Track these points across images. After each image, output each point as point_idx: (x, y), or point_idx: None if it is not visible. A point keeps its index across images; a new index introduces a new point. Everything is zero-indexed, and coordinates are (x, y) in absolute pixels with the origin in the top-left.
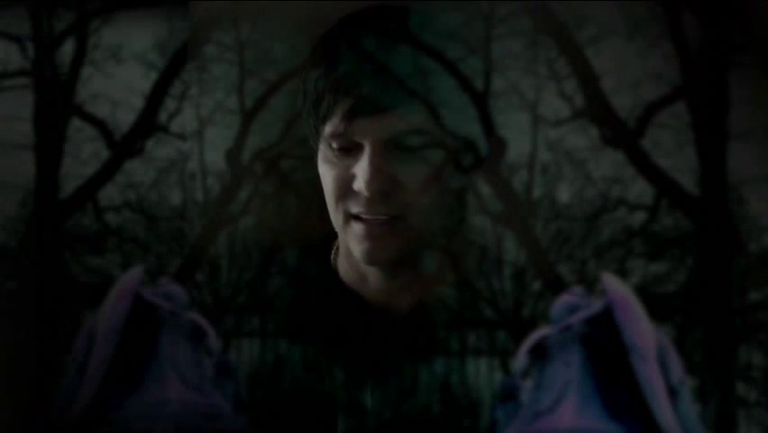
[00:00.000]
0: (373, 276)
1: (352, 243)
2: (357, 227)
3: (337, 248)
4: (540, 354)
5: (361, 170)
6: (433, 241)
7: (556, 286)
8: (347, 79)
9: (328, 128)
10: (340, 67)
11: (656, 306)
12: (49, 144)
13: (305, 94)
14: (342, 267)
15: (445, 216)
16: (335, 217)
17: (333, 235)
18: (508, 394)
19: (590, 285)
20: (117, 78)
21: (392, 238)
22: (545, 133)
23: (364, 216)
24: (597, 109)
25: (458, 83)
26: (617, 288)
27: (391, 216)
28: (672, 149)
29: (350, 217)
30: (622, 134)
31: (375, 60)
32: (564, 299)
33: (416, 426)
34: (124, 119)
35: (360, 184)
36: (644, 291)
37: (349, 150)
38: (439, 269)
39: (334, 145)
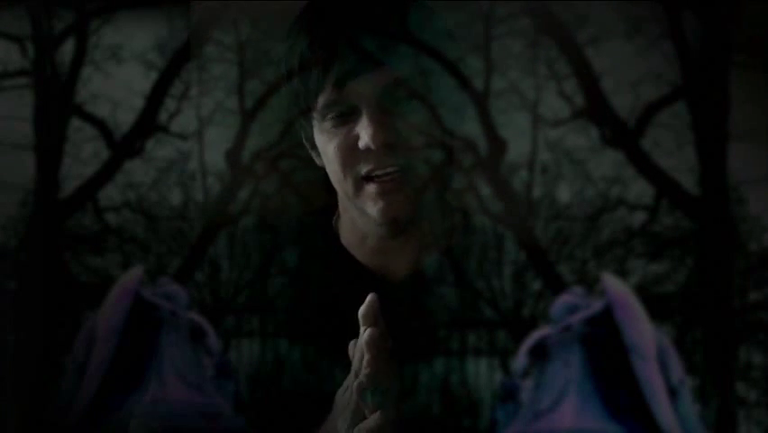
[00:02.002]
0: (373, 235)
1: (367, 204)
2: (371, 188)
3: (338, 215)
4: (540, 354)
5: (364, 128)
6: (439, 195)
7: (556, 286)
8: (332, 48)
9: (322, 99)
10: (322, 37)
11: (656, 306)
12: (49, 144)
13: (290, 71)
14: (343, 231)
15: (444, 162)
16: (345, 186)
17: (335, 204)
18: (508, 394)
19: (590, 285)
20: (117, 78)
21: (405, 191)
22: (545, 133)
23: (375, 174)
24: (597, 109)
25: (458, 83)
26: (616, 288)
27: (401, 168)
28: (672, 149)
29: (361, 181)
30: (622, 134)
31: (353, 24)
32: (564, 299)
33: (416, 426)
34: (124, 119)
35: (365, 141)
36: (644, 291)
37: (346, 116)
38: (433, 232)
39: (331, 115)
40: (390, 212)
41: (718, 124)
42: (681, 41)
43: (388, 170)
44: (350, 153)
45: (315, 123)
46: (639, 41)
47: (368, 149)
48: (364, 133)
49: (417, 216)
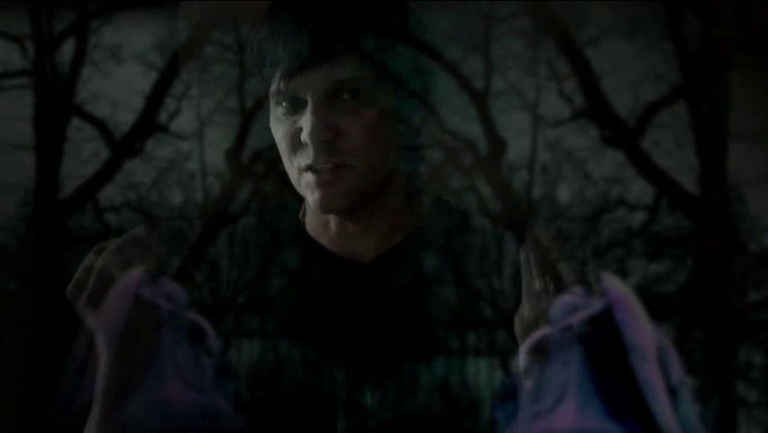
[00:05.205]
0: (333, 221)
1: (306, 193)
2: (308, 178)
3: (304, 208)
4: (540, 354)
5: (305, 122)
6: (385, 186)
7: (556, 286)
8: (284, 39)
9: (273, 87)
10: (276, 27)
11: (656, 306)
12: (49, 144)
13: (251, 59)
14: (308, 221)
15: (398, 162)
16: (290, 172)
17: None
18: (508, 394)
19: (590, 285)
20: (117, 78)
21: (341, 185)
22: (545, 133)
23: (313, 167)
24: (597, 109)
25: (458, 83)
26: (617, 288)
27: (338, 165)
28: (672, 149)
29: (302, 171)
30: (622, 134)
31: (309, 17)
32: (564, 299)
33: (416, 426)
34: (124, 119)
35: (304, 136)
36: (644, 291)
37: (295, 106)
38: (396, 215)
39: (283, 104)
40: (326, 204)
41: (718, 124)
42: (681, 41)
43: (326, 165)
44: (293, 144)
45: (271, 108)
46: (639, 41)
47: (307, 143)
48: (305, 128)
49: (372, 204)
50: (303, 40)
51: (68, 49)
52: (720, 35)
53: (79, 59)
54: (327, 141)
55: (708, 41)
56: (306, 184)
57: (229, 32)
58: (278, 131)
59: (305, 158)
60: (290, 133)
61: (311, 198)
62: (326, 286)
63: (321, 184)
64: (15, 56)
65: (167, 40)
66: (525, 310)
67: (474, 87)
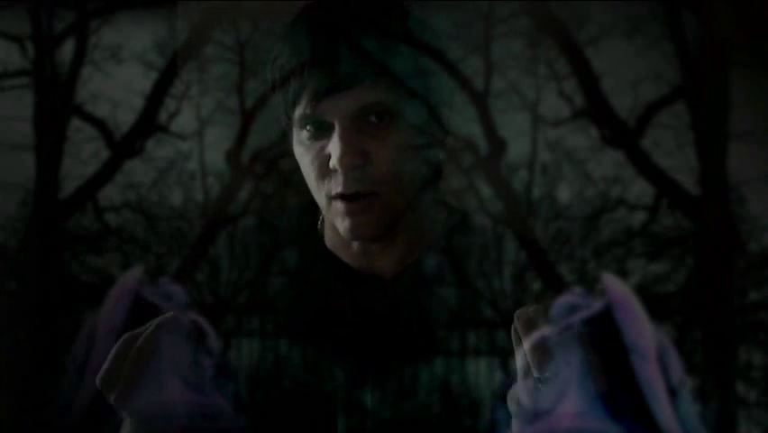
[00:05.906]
0: (358, 241)
1: (336, 221)
2: (338, 206)
3: (323, 218)
4: (540, 354)
5: (333, 148)
6: (410, 209)
7: (556, 286)
8: (310, 63)
9: (298, 112)
10: (302, 50)
11: (656, 306)
12: (49, 144)
13: (273, 80)
14: (328, 235)
15: (420, 185)
16: (318, 198)
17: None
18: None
19: (590, 285)
20: (117, 78)
21: (372, 214)
22: (545, 133)
23: (343, 195)
24: (597, 109)
25: (458, 83)
26: (617, 288)
27: (367, 193)
28: (672, 149)
29: (331, 198)
30: (622, 134)
31: (335, 41)
32: (564, 299)
33: (416, 426)
34: (124, 119)
35: (333, 162)
36: (644, 291)
37: (321, 130)
38: (415, 230)
39: (307, 128)
40: (357, 233)
41: (718, 124)
42: (681, 41)
43: (355, 191)
44: (322, 170)
45: (294, 131)
46: (639, 41)
47: (336, 169)
48: (333, 154)
49: (396, 226)
50: (330, 65)
51: (68, 49)
52: (720, 35)
53: (79, 59)
54: (357, 166)
55: (708, 41)
56: (335, 212)
57: (229, 31)
58: (305, 157)
59: (334, 185)
60: (318, 159)
61: (341, 225)
62: (345, 300)
63: (351, 213)
64: (15, 56)
65: (167, 40)
66: (520, 391)
67: (474, 87)
